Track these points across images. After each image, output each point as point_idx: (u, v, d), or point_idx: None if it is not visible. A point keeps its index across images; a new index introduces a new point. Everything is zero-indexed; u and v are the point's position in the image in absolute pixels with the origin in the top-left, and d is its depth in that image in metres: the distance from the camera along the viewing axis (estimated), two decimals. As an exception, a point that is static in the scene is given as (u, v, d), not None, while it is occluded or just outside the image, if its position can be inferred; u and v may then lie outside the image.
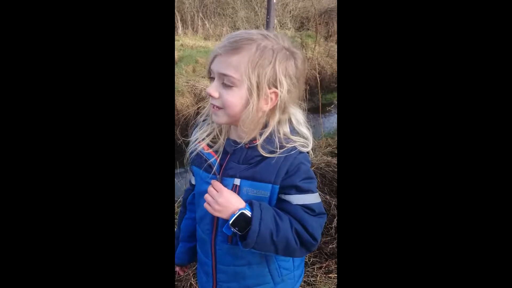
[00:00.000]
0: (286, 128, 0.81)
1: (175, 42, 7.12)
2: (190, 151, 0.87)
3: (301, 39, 5.23)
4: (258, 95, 0.74)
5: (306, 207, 0.78)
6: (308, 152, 0.82)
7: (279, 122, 0.80)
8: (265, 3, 7.02)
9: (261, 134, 0.78)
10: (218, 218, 0.82)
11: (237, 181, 0.79)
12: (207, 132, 0.86)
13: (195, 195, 0.92)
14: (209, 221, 0.84)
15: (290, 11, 9.49)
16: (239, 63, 0.71)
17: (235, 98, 0.74)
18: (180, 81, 5.19)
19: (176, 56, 6.26)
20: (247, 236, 0.73)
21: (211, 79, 0.78)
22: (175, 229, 1.08)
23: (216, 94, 0.75)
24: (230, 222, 0.74)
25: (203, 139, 0.85)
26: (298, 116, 0.84)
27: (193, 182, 0.96)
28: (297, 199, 0.79)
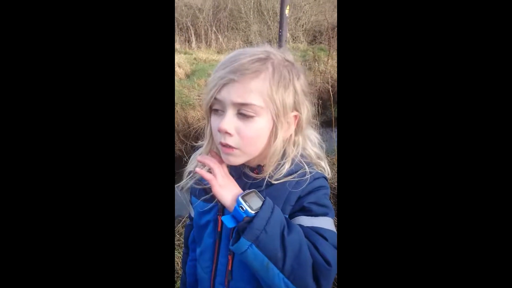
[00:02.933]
0: (308, 151, 0.72)
1: (189, 56, 7.24)
2: (181, 186, 0.77)
3: (313, 52, 5.18)
4: (284, 122, 0.63)
5: (318, 233, 0.66)
6: (326, 178, 0.72)
7: (297, 148, 0.69)
8: (278, 17, 7.05)
9: (278, 167, 0.66)
10: (218, 254, 0.73)
11: None
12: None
13: (194, 228, 0.82)
14: (209, 257, 0.75)
15: (302, 25, 9.52)
16: (261, 88, 0.59)
17: (259, 131, 0.61)
18: (192, 94, 5.19)
19: (189, 70, 6.34)
20: (253, 219, 0.58)
21: (214, 111, 0.64)
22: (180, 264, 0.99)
23: (232, 131, 0.61)
24: (242, 195, 0.61)
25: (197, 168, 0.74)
26: (312, 137, 0.74)
27: (193, 215, 0.87)
28: (307, 220, 0.67)
